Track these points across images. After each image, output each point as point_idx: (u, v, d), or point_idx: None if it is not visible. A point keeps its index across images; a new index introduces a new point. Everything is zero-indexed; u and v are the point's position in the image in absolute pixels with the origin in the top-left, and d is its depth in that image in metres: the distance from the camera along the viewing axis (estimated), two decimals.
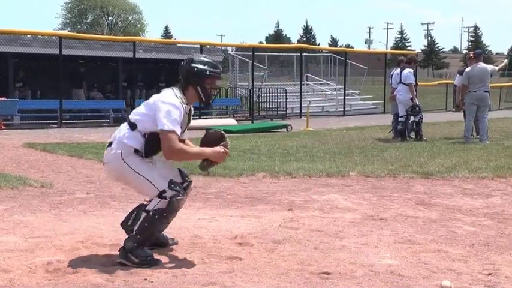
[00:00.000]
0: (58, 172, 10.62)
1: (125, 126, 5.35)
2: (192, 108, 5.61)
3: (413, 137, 16.41)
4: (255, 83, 27.67)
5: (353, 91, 34.87)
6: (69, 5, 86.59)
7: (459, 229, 6.53)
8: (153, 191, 5.18)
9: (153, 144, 5.22)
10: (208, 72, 5.35)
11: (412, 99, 16.38)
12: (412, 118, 16.39)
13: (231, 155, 11.00)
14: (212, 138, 5.47)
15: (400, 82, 16.63)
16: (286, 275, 4.82)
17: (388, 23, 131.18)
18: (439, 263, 5.24)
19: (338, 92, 32.34)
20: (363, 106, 33.63)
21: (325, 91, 34.03)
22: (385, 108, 31.05)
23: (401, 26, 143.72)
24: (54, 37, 23.91)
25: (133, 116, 5.32)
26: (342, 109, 30.34)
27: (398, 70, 16.96)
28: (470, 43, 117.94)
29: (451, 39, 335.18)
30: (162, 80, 26.12)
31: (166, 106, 5.15)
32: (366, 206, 7.73)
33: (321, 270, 4.91)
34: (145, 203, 5.31)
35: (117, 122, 23.21)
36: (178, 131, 5.17)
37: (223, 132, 5.52)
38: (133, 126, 5.26)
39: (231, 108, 29.29)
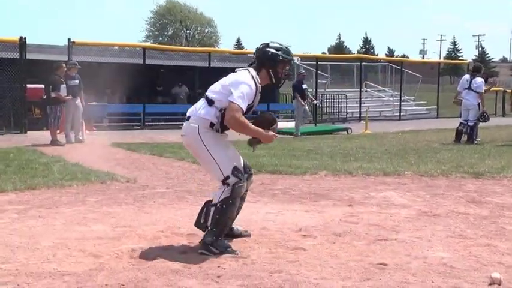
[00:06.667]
0: (141, 169, 10.78)
1: (201, 102, 5.29)
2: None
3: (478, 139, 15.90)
4: (318, 90, 27.57)
5: (408, 97, 34.33)
6: (152, 20, 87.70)
7: (508, 225, 6.37)
8: (218, 174, 5.17)
9: None
10: (280, 58, 5.35)
11: (479, 105, 15.82)
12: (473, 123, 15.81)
13: (296, 155, 10.89)
14: (264, 120, 5.39)
15: (469, 88, 15.82)
16: (346, 264, 4.78)
17: (441, 35, 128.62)
18: (489, 256, 5.13)
19: (394, 98, 31.90)
20: (417, 111, 33.11)
21: (383, 97, 33.71)
22: (438, 113, 30.57)
23: (454, 38, 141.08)
24: (138, 48, 24.30)
25: (210, 93, 5.26)
26: (398, 114, 29.88)
27: (468, 76, 16.15)
28: None
29: (501, 49, 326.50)
30: None
31: (242, 85, 5.14)
32: (420, 203, 7.60)
33: (378, 261, 4.86)
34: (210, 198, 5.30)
35: None
36: (244, 108, 5.11)
37: (275, 117, 5.46)
38: (210, 102, 5.21)
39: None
